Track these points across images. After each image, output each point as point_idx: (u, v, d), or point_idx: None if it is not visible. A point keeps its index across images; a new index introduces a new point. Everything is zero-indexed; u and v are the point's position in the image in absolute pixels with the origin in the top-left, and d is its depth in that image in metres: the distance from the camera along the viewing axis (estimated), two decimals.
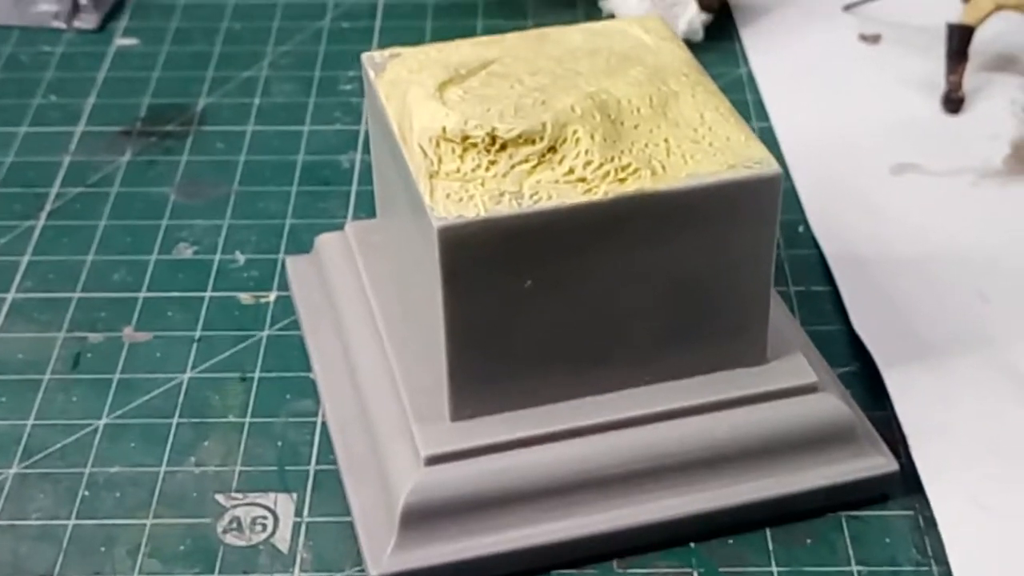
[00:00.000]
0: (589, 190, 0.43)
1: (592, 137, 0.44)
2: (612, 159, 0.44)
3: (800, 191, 0.61)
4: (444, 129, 0.44)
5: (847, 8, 0.74)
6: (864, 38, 0.72)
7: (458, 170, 0.44)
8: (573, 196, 0.43)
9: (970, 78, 0.67)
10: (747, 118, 0.66)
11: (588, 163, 0.44)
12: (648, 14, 0.63)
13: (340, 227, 0.56)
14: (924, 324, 0.54)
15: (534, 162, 0.44)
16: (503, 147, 0.44)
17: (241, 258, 0.59)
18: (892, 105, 0.67)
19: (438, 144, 0.44)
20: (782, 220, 0.59)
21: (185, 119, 0.67)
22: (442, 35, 0.72)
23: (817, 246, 0.58)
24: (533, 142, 0.44)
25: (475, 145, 0.44)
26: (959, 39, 0.66)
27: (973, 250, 0.58)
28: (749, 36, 0.72)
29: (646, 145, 0.45)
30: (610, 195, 0.43)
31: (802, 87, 0.69)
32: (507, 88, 0.46)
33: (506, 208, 0.43)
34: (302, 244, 0.58)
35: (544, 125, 0.44)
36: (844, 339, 0.54)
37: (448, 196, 0.43)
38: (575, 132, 0.44)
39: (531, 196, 0.43)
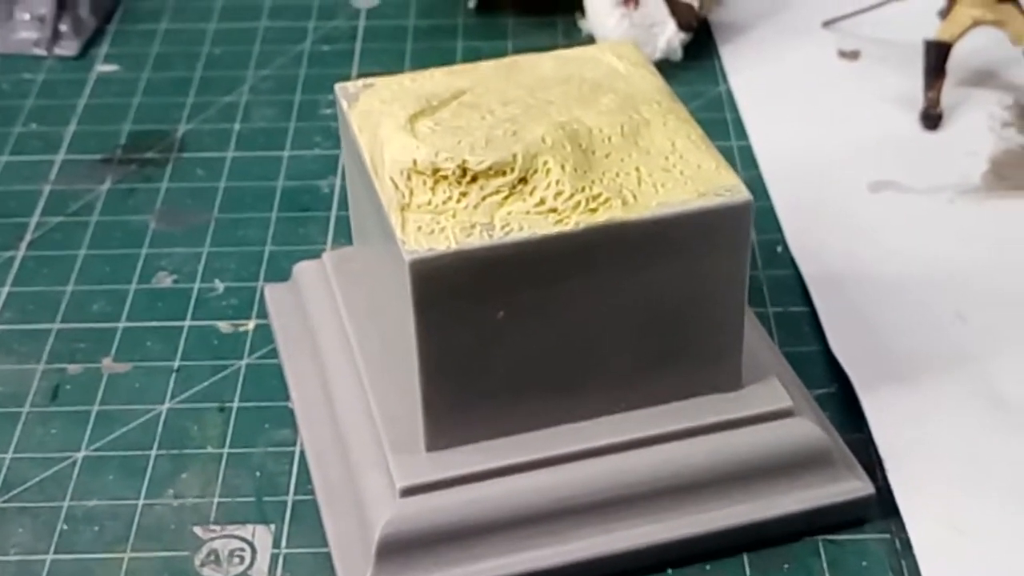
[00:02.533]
0: (560, 221, 0.44)
1: (563, 167, 0.44)
2: (583, 189, 0.44)
3: (778, 210, 0.61)
4: (415, 161, 0.45)
5: (826, 24, 0.74)
6: (843, 55, 0.72)
7: (429, 202, 0.44)
8: (544, 227, 0.43)
9: (948, 94, 0.67)
10: (726, 137, 0.66)
11: (559, 194, 0.44)
12: (625, 36, 0.63)
13: (320, 253, 0.56)
14: (902, 344, 0.54)
15: (505, 193, 0.44)
16: (474, 179, 0.44)
17: (220, 286, 0.59)
18: (871, 122, 0.67)
19: (409, 177, 0.45)
20: (760, 240, 0.59)
21: (165, 146, 0.67)
22: (422, 58, 0.72)
23: (795, 266, 0.58)
24: (504, 173, 0.44)
25: (446, 177, 0.44)
26: (937, 55, 0.66)
27: (951, 268, 0.58)
28: (728, 54, 0.72)
29: (617, 174, 0.45)
30: (581, 225, 0.43)
31: (781, 105, 0.69)
32: (478, 119, 0.46)
33: (477, 240, 0.43)
34: (282, 271, 0.58)
35: (515, 156, 0.44)
36: (822, 360, 0.54)
37: (419, 228, 0.43)
38: (546, 163, 0.44)
39: (502, 228, 0.43)
